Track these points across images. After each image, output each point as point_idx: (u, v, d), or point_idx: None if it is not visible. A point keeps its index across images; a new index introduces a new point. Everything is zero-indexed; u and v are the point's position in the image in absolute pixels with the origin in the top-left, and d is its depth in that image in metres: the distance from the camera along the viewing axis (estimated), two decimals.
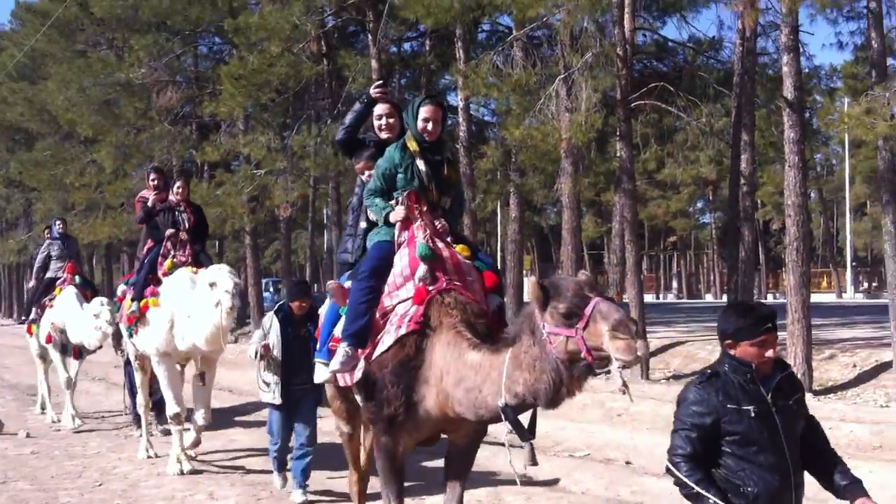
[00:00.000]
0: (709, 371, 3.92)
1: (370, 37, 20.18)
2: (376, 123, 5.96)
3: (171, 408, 8.87)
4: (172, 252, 9.27)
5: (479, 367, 4.55)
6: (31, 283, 13.78)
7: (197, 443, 9.05)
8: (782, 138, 15.33)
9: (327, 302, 5.99)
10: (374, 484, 6.04)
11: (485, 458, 7.33)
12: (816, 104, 24.65)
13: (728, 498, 3.73)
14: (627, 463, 9.47)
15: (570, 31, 14.68)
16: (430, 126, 5.28)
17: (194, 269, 8.97)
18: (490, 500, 7.74)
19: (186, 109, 27.35)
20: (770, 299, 44.60)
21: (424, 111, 5.28)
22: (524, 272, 24.90)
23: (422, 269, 4.99)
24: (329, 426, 10.04)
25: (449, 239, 5.27)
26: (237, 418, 12.65)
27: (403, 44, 25.47)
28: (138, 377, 9.96)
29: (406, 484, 5.32)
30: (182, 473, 8.71)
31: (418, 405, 4.85)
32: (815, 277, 40.90)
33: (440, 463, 5.45)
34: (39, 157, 32.31)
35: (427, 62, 23.82)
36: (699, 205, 58.05)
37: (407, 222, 5.21)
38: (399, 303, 5.04)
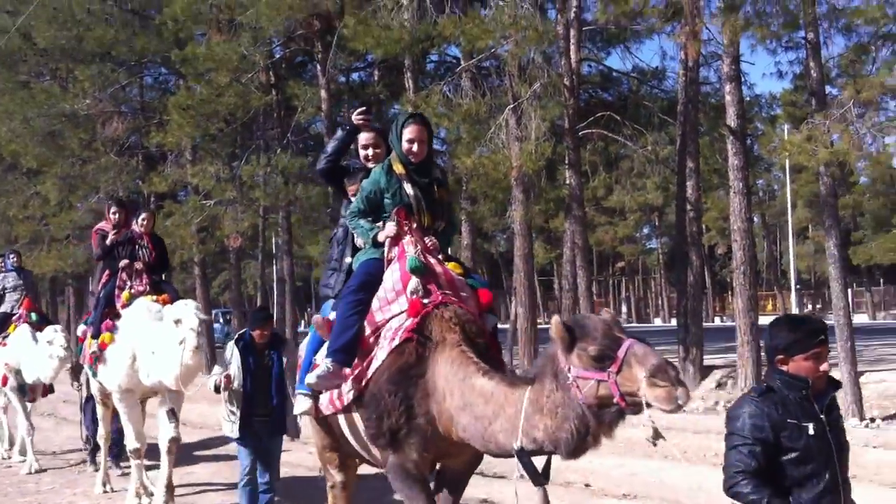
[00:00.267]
0: (764, 385, 3.72)
1: (319, 67, 20.21)
2: (362, 153, 5.73)
3: (131, 443, 8.66)
4: (129, 283, 8.96)
5: (489, 398, 4.29)
6: None
7: (172, 459, 8.43)
8: (726, 165, 15.71)
9: (308, 337, 5.76)
10: None
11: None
12: (758, 131, 25.19)
13: None
14: (587, 485, 9.56)
15: (518, 62, 14.89)
16: (415, 147, 5.04)
17: (154, 297, 8.68)
18: None
19: (132, 140, 27.03)
20: (717, 322, 45.33)
21: (409, 131, 5.05)
22: None
23: (414, 281, 4.80)
24: (295, 459, 10.04)
25: (440, 256, 5.09)
26: (198, 452, 12.38)
27: (352, 74, 25.54)
28: (100, 410, 9.71)
29: None
30: None
31: (421, 418, 4.57)
32: (760, 300, 41.56)
33: None
34: None
35: (376, 92, 23.89)
36: (645, 230, 58.82)
37: (397, 239, 5.01)
38: (392, 317, 4.84)
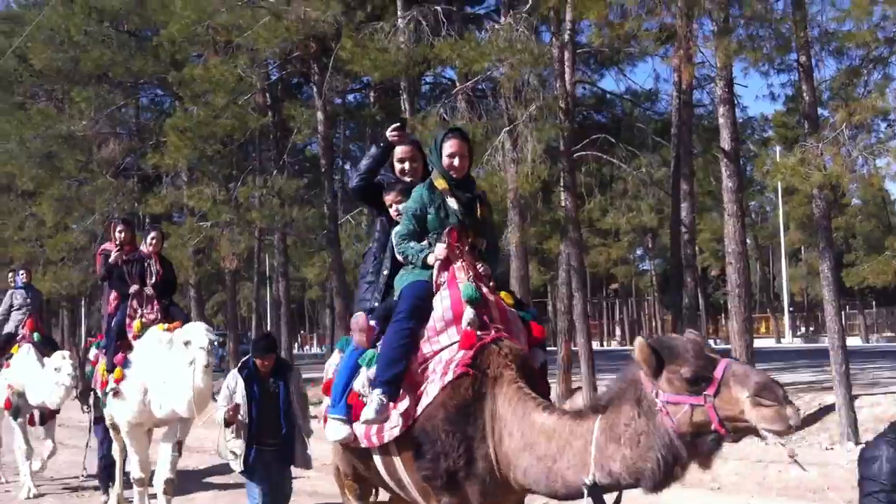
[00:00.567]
0: None
1: (315, 89, 20.34)
2: (398, 167, 5.50)
3: (136, 472, 8.46)
4: (140, 311, 8.74)
5: (553, 434, 3.94)
6: None
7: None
8: (720, 187, 15.80)
9: (335, 355, 5.54)
10: None
11: None
12: (750, 153, 25.39)
13: None
14: None
15: (513, 85, 14.99)
16: (456, 161, 4.86)
17: (165, 325, 8.44)
18: None
19: (129, 161, 27.16)
20: (711, 344, 45.28)
21: (449, 146, 4.86)
22: None
23: (469, 312, 4.47)
24: (303, 486, 9.85)
25: (491, 284, 4.79)
26: (206, 480, 12.04)
27: (348, 95, 25.73)
28: (113, 432, 9.40)
29: None
30: None
31: (480, 462, 4.21)
32: (754, 322, 41.64)
33: None
34: None
35: (372, 114, 24.05)
36: (639, 252, 58.95)
37: (447, 262, 4.71)
38: (441, 349, 4.51)
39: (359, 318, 5.01)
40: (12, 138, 25.42)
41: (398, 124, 5.54)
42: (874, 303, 52.51)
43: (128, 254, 9.27)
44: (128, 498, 9.56)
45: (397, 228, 5.08)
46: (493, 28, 15.56)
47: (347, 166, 29.19)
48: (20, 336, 11.55)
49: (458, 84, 17.79)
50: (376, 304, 5.17)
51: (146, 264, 9.01)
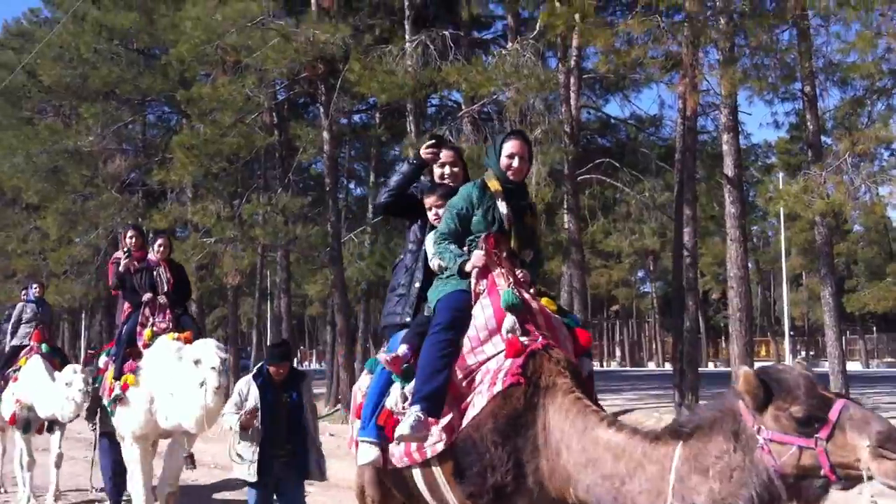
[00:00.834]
0: None
1: (322, 109, 20.47)
2: (438, 172, 5.27)
3: (138, 499, 8.08)
4: (151, 320, 8.48)
5: (621, 453, 3.65)
6: (3, 345, 12.19)
7: None
8: (722, 212, 15.93)
9: (364, 378, 5.25)
10: None
11: None
12: (753, 179, 25.53)
13: None
14: None
15: (519, 109, 15.14)
16: (515, 162, 4.59)
17: (177, 335, 8.18)
18: None
19: (133, 177, 27.30)
20: (711, 367, 45.38)
21: (510, 146, 4.61)
22: None
23: (510, 319, 4.21)
24: (319, 501, 9.76)
25: (532, 291, 4.51)
26: (217, 495, 11.68)
27: (354, 116, 25.84)
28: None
29: None
30: None
31: (530, 477, 3.95)
32: (754, 346, 41.68)
33: None
34: None
35: (378, 134, 24.19)
36: (640, 274, 59.05)
37: (485, 270, 4.44)
38: (487, 359, 4.25)
39: (384, 359, 4.68)
40: (19, 152, 25.61)
41: (433, 141, 5.31)
42: (875, 328, 52.58)
43: (138, 261, 9.03)
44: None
45: (439, 227, 4.78)
46: (499, 53, 15.76)
47: (352, 185, 29.38)
48: (28, 348, 11.27)
49: (463, 107, 17.96)
50: (408, 318, 4.97)
51: (155, 273, 8.76)
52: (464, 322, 4.37)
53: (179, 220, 23.83)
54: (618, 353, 65.78)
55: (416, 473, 4.48)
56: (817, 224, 14.60)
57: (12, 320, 11.86)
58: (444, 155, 5.27)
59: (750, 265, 46.06)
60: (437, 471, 4.32)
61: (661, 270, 49.64)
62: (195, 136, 20.20)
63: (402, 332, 4.89)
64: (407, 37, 17.09)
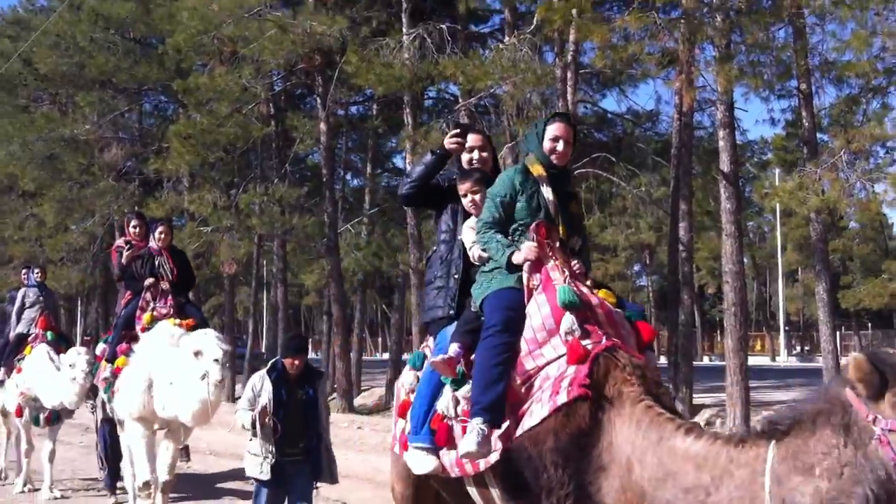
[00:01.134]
0: None
1: (319, 100, 20.49)
2: (465, 157, 5.02)
3: (141, 476, 7.75)
4: (152, 304, 8.19)
5: (704, 462, 3.32)
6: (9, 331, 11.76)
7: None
8: (718, 208, 15.97)
9: (407, 374, 4.92)
10: None
11: None
12: (749, 175, 25.57)
13: None
14: None
15: (515, 103, 15.15)
16: (559, 146, 4.29)
17: (178, 321, 7.90)
18: None
19: (130, 165, 27.36)
20: (706, 361, 45.55)
21: (554, 129, 4.31)
22: None
23: (568, 319, 3.91)
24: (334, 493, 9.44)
25: (589, 283, 4.24)
26: (221, 485, 11.41)
27: (351, 107, 25.85)
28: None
29: None
30: None
31: (592, 498, 3.62)
32: (749, 341, 41.88)
33: None
34: None
35: (374, 126, 24.21)
36: (636, 268, 59.10)
37: (538, 263, 4.12)
38: (546, 363, 3.93)
39: (436, 363, 4.34)
40: (15, 140, 25.62)
41: (458, 130, 5.08)
42: (869, 324, 52.69)
43: (139, 249, 8.72)
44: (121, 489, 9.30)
45: (472, 223, 4.54)
46: (497, 47, 15.77)
47: (349, 176, 29.37)
48: (33, 336, 10.91)
49: (460, 100, 17.97)
50: (451, 311, 4.70)
51: (157, 261, 8.44)
52: (519, 322, 4.05)
53: (176, 209, 23.85)
54: None
55: (471, 487, 4.26)
56: (812, 220, 14.66)
57: (16, 305, 11.49)
58: (472, 139, 5.04)
59: (746, 260, 46.24)
60: (491, 485, 4.06)
61: (657, 264, 49.74)
62: (192, 125, 20.22)
63: (450, 329, 4.57)
64: (404, 29, 17.10)
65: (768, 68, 13.83)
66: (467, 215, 4.80)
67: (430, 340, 4.91)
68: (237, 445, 13.88)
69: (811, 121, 14.08)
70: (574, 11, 13.49)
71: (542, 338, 3.97)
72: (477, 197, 4.64)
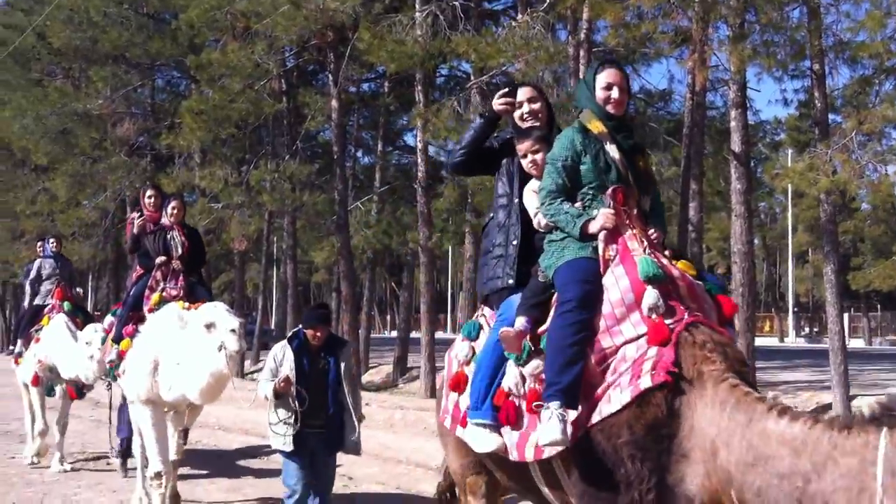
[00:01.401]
0: None
1: (331, 77, 20.48)
2: (518, 113, 4.64)
3: (154, 465, 7.52)
4: (162, 284, 8.01)
5: (802, 447, 3.09)
6: (25, 304, 11.91)
7: (174, 489, 7.89)
8: (729, 188, 15.96)
9: (460, 344, 4.63)
10: None
11: None
12: (761, 155, 25.50)
13: None
14: None
15: (527, 81, 15.11)
16: (614, 93, 3.96)
17: (187, 304, 7.68)
18: None
19: (142, 141, 27.48)
20: None
21: (606, 76, 3.98)
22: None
23: (651, 294, 3.64)
24: (361, 473, 9.44)
25: (667, 253, 3.96)
26: (243, 462, 11.48)
27: (363, 84, 25.84)
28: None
29: None
30: None
31: (674, 489, 3.40)
32: (758, 321, 41.90)
33: None
34: None
35: (386, 103, 24.21)
36: None
37: (614, 232, 3.84)
38: (625, 342, 3.66)
39: (507, 333, 4.04)
40: (29, 114, 25.71)
41: (506, 91, 4.73)
42: (879, 306, 52.62)
43: (154, 223, 8.48)
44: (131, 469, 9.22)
45: (535, 186, 4.23)
46: (509, 25, 15.71)
47: (360, 154, 29.40)
48: (50, 306, 10.94)
49: (472, 78, 17.93)
50: (511, 280, 4.42)
51: (169, 236, 8.22)
52: (597, 296, 3.76)
53: (187, 184, 23.92)
54: None
55: (536, 469, 4.00)
56: (822, 202, 14.63)
57: (31, 277, 11.54)
58: (521, 92, 4.69)
59: (756, 241, 46.26)
60: (559, 471, 3.83)
61: (667, 244, 49.60)
62: (204, 101, 20.25)
63: (515, 299, 4.27)
64: (417, 6, 17.02)
65: (782, 48, 13.75)
66: (525, 176, 4.52)
67: (485, 310, 4.69)
68: (246, 420, 14.16)
69: (823, 101, 14.02)
70: None
71: (620, 313, 3.69)
72: (538, 157, 4.33)
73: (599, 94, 3.97)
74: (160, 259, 8.09)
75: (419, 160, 19.63)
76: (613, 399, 3.53)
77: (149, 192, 8.85)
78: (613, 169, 3.92)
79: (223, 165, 22.44)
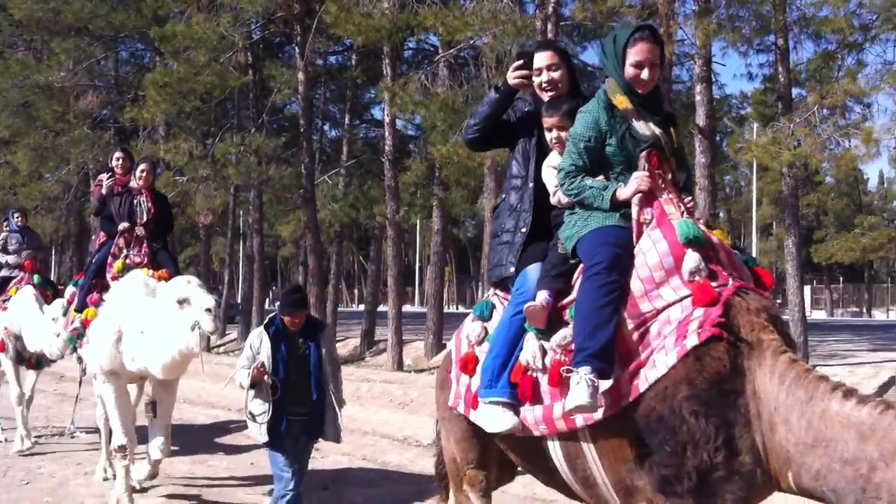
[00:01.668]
0: None
1: (297, 49, 20.36)
2: (536, 80, 4.27)
3: (118, 438, 7.34)
4: (125, 251, 7.78)
5: (870, 432, 2.89)
6: None
7: (153, 475, 7.71)
8: (693, 162, 16.12)
9: (471, 324, 4.38)
10: None
11: None
12: (727, 129, 25.73)
13: None
14: None
15: (495, 55, 15.13)
16: (644, 73, 3.62)
17: (151, 271, 7.53)
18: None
19: (105, 114, 27.14)
20: None
21: (637, 51, 3.62)
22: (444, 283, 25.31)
23: (693, 257, 3.43)
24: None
25: (700, 221, 3.69)
26: (208, 435, 11.37)
27: (330, 57, 25.68)
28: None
29: None
30: None
31: (746, 456, 3.16)
32: None
33: None
34: None
35: (353, 76, 24.08)
36: None
37: (650, 196, 3.61)
38: (665, 306, 3.44)
39: (534, 308, 3.81)
40: None
41: (521, 62, 4.32)
42: (841, 279, 53.45)
43: (122, 186, 8.18)
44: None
45: (555, 162, 4.00)
46: None
47: (326, 127, 29.26)
48: (18, 278, 10.75)
49: (440, 51, 17.91)
50: (512, 268, 4.17)
51: (136, 201, 7.95)
52: (628, 261, 3.55)
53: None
54: None
55: (553, 443, 3.77)
56: (784, 175, 14.85)
57: None
58: (540, 58, 4.26)
59: (721, 214, 46.70)
60: (586, 445, 3.60)
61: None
62: (168, 74, 20.07)
63: (533, 271, 4.04)
64: None
65: (747, 23, 13.90)
66: (542, 153, 4.24)
67: (496, 290, 4.43)
68: (211, 394, 14.16)
69: (787, 76, 14.20)
70: None
71: (659, 277, 3.47)
72: (563, 134, 4.01)
73: (629, 70, 3.64)
74: (123, 225, 7.85)
75: (386, 134, 19.61)
76: (658, 363, 3.32)
77: (117, 154, 8.57)
78: (645, 147, 3.67)
79: (188, 139, 22.27)
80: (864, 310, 50.94)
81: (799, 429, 3.04)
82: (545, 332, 3.77)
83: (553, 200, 4.03)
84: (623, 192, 3.61)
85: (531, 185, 4.24)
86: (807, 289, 36.37)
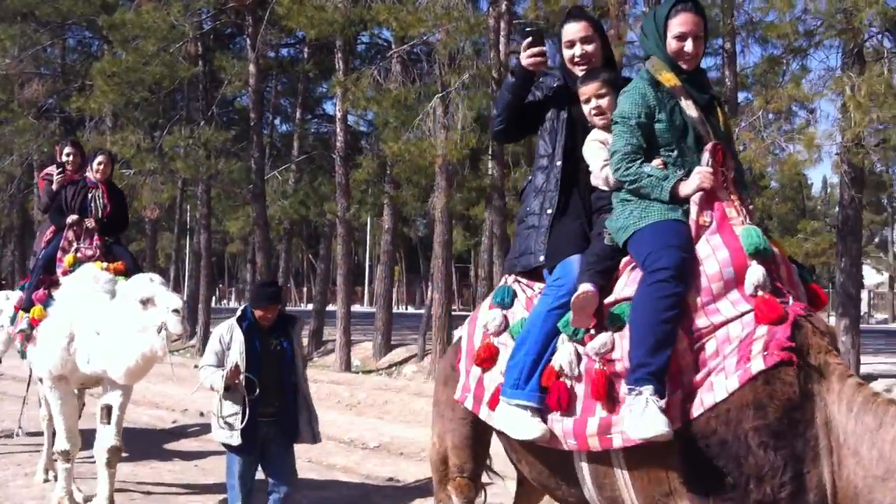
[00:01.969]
0: None
1: (249, 41, 20.18)
2: (567, 53, 3.90)
3: (61, 443, 7.02)
4: (75, 244, 7.33)
5: None
6: None
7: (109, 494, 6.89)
8: None
9: (489, 311, 4.00)
10: None
11: None
12: None
13: None
14: None
15: (448, 52, 15.15)
16: (689, 46, 3.38)
17: (105, 264, 7.11)
18: None
19: (51, 103, 26.66)
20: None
21: (679, 23, 3.38)
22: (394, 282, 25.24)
23: (757, 271, 3.17)
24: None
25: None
26: (152, 437, 11.02)
27: (281, 49, 25.50)
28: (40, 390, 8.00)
29: None
30: None
31: (811, 493, 2.91)
32: None
33: None
34: None
35: (305, 70, 23.94)
36: None
37: (711, 195, 3.31)
38: (723, 322, 3.15)
39: (585, 295, 3.42)
40: None
41: (531, 38, 3.88)
42: None
43: (73, 177, 7.79)
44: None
45: (601, 137, 3.68)
46: None
47: (277, 121, 29.02)
48: None
49: (393, 46, 17.87)
50: (542, 257, 3.81)
51: (91, 195, 7.52)
52: (692, 268, 3.23)
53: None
54: None
55: (583, 464, 3.45)
56: None
57: None
58: (569, 31, 3.89)
59: None
60: (617, 463, 3.31)
61: None
62: (116, 63, 19.78)
63: (572, 261, 3.67)
64: None
65: None
66: (572, 129, 3.90)
67: (517, 276, 4.05)
68: (155, 394, 13.84)
69: (733, 80, 14.42)
70: None
71: (717, 289, 3.19)
72: (603, 102, 3.69)
73: (672, 44, 3.40)
74: (72, 218, 7.40)
75: (338, 129, 19.53)
76: (718, 386, 3.05)
77: (67, 150, 8.07)
78: (690, 130, 3.42)
79: (135, 130, 21.89)
80: None
81: (869, 460, 2.79)
82: (578, 334, 3.47)
83: (597, 182, 3.69)
84: (685, 188, 3.32)
85: (558, 163, 3.89)
86: None
